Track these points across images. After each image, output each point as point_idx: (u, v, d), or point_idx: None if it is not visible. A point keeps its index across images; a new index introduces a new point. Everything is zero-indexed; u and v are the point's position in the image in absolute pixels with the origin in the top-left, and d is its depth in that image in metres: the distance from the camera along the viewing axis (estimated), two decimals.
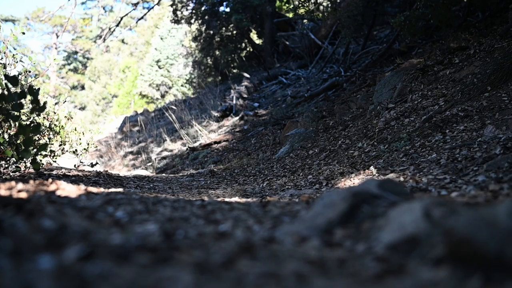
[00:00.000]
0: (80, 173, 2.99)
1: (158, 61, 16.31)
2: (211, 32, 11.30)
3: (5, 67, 2.45)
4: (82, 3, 28.11)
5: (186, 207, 1.15)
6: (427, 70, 3.94)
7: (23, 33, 2.51)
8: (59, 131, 2.85)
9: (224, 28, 11.17)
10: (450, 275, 0.51)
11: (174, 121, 7.46)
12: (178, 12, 11.34)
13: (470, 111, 2.67)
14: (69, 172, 2.96)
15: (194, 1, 11.22)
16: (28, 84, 2.56)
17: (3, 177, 2.28)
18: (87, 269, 0.49)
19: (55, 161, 3.05)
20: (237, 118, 7.05)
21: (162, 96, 16.31)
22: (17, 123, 1.84)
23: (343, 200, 0.85)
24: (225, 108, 7.80)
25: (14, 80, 1.66)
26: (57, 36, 28.12)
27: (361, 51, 7.12)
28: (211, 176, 3.89)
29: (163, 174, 4.85)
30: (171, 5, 11.47)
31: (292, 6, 10.28)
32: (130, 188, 2.65)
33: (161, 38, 16.50)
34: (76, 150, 3.17)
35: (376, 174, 2.28)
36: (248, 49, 11.95)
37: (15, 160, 2.29)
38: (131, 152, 8.41)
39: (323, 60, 8.46)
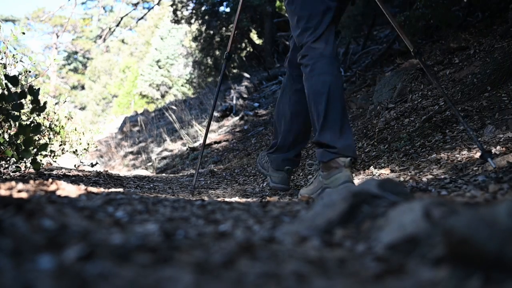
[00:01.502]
0: (80, 173, 2.98)
1: (158, 61, 16.32)
2: (211, 32, 11.29)
3: (5, 67, 2.45)
4: (82, 3, 28.09)
5: (186, 207, 1.15)
6: None
7: (23, 33, 2.50)
8: (59, 131, 2.85)
9: (224, 28, 11.17)
10: (450, 275, 0.51)
11: (174, 121, 7.46)
12: (178, 12, 11.34)
13: (470, 111, 2.67)
14: (69, 172, 2.96)
15: (194, 1, 11.21)
16: (28, 84, 2.56)
17: (3, 177, 2.28)
18: (87, 269, 0.49)
19: (55, 161, 3.05)
20: (237, 118, 7.05)
21: (162, 96, 16.31)
22: (17, 123, 1.84)
23: (343, 200, 0.85)
24: (225, 108, 7.79)
25: (14, 80, 1.66)
26: (57, 36, 28.13)
27: (361, 51, 7.11)
28: (211, 176, 3.88)
29: (163, 174, 4.85)
30: (171, 5, 11.46)
31: None
32: (130, 188, 2.65)
33: (161, 38, 16.51)
34: (76, 150, 3.17)
35: (376, 174, 2.28)
36: (248, 49, 11.94)
37: (15, 160, 2.29)
38: (131, 152, 8.41)
39: None
